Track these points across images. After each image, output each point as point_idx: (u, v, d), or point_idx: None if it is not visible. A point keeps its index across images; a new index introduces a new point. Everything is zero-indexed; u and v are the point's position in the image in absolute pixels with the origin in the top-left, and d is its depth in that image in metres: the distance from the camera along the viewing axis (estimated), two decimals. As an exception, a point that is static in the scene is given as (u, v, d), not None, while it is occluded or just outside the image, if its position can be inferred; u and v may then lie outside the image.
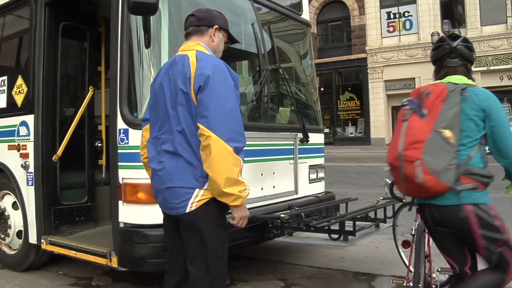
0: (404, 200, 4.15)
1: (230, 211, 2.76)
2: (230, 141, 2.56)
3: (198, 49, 2.79)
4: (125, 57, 3.98)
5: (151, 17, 3.86)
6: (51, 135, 4.92)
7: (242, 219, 2.74)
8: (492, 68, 26.75)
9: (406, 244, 3.62)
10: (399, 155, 2.75)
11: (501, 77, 26.88)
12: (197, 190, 2.67)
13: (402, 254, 4.90)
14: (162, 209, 2.89)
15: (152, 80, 3.94)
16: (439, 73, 3.12)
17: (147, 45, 3.98)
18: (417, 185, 2.73)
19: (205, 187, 2.68)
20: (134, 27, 4.01)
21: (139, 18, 3.91)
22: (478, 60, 26.85)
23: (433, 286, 3.61)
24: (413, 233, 3.66)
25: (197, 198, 2.67)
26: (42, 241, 4.75)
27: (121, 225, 3.97)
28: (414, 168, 2.70)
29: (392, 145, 2.85)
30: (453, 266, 3.04)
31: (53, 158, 4.88)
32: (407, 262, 4.75)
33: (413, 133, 2.77)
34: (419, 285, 3.38)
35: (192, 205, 2.67)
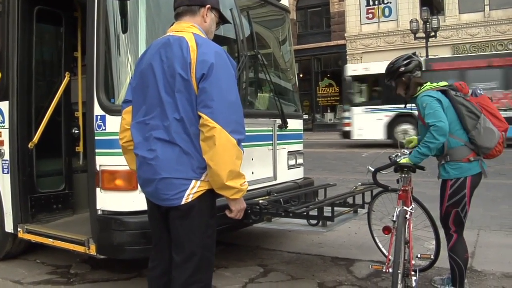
0: (389, 188, 4.24)
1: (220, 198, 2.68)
2: (233, 133, 2.48)
3: (194, 31, 2.65)
4: (102, 42, 3.92)
5: (128, 1, 3.81)
6: (27, 122, 4.84)
7: (239, 212, 2.69)
8: (469, 55, 27.00)
9: (386, 230, 3.67)
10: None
11: (478, 64, 27.20)
12: (194, 181, 2.56)
13: (377, 238, 4.96)
14: (152, 199, 2.72)
15: (129, 65, 3.94)
16: (410, 82, 3.96)
17: (124, 30, 3.93)
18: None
19: (202, 178, 2.58)
20: (111, 12, 3.95)
21: (116, 2, 3.86)
22: (456, 48, 27.19)
23: (412, 272, 3.65)
24: (394, 219, 3.70)
25: (194, 189, 2.56)
26: (18, 229, 4.70)
27: (99, 212, 3.94)
28: None
29: (501, 116, 3.82)
30: None
31: (29, 145, 4.81)
32: (381, 246, 4.83)
33: None
34: (399, 271, 3.43)
35: (188, 197, 2.56)
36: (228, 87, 2.53)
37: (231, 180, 2.50)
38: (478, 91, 3.85)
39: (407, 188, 3.85)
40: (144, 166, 2.64)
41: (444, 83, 3.97)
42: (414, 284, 3.65)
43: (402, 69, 3.95)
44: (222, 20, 2.98)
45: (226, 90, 2.50)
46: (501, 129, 3.76)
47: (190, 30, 2.65)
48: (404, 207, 3.75)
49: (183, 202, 2.56)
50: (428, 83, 3.96)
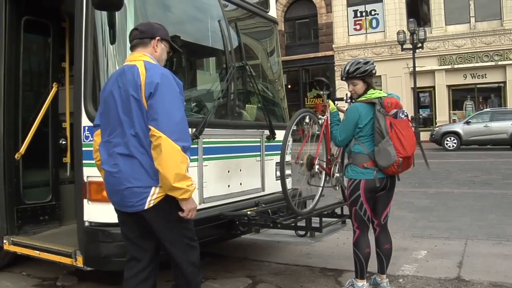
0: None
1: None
2: (178, 141, 2.81)
3: (145, 59, 3.03)
4: (90, 53, 3.92)
5: (116, 12, 3.81)
6: (13, 132, 4.81)
7: (190, 211, 2.97)
8: (456, 66, 27.35)
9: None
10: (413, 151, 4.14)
11: (465, 76, 27.52)
12: (153, 188, 2.93)
13: None
14: (118, 208, 3.09)
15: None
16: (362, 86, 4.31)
17: (112, 41, 3.93)
18: (409, 166, 4.23)
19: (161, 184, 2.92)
20: (99, 23, 3.95)
21: (104, 13, 3.85)
22: (443, 59, 27.47)
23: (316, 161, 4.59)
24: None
25: (154, 196, 2.93)
26: (4, 241, 4.65)
27: (86, 224, 3.92)
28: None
29: (410, 144, 4.08)
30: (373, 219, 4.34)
31: (16, 156, 4.77)
32: None
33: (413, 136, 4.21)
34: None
35: (150, 202, 2.92)
36: (171, 102, 2.89)
37: (178, 182, 2.82)
38: (400, 115, 4.13)
39: (325, 104, 4.62)
40: (110, 178, 3.02)
41: (378, 94, 4.26)
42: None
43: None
44: (172, 49, 3.32)
45: (170, 104, 2.87)
46: (400, 155, 4.05)
47: (141, 59, 3.04)
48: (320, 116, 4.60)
49: (146, 207, 2.93)
50: (371, 91, 4.29)
